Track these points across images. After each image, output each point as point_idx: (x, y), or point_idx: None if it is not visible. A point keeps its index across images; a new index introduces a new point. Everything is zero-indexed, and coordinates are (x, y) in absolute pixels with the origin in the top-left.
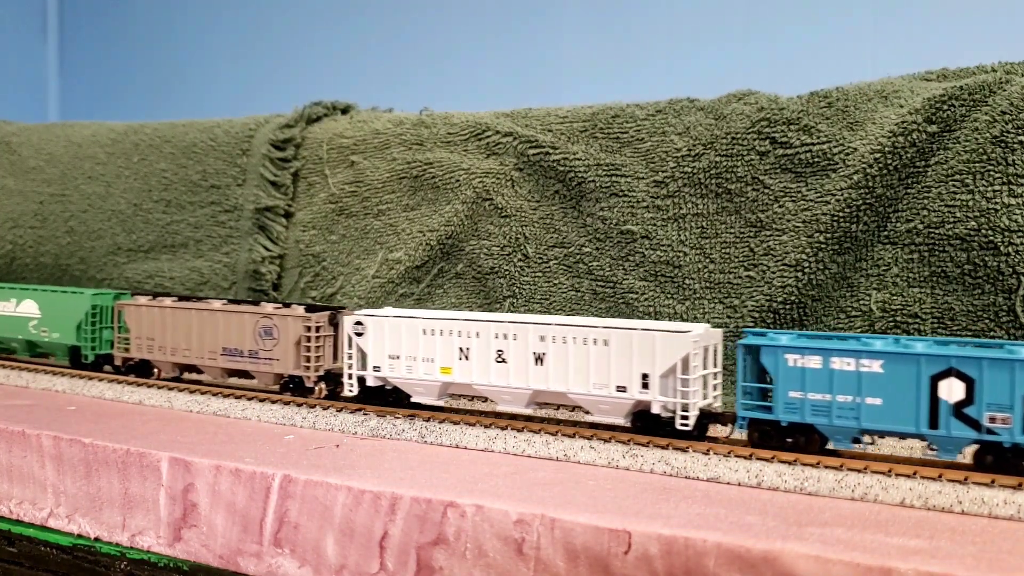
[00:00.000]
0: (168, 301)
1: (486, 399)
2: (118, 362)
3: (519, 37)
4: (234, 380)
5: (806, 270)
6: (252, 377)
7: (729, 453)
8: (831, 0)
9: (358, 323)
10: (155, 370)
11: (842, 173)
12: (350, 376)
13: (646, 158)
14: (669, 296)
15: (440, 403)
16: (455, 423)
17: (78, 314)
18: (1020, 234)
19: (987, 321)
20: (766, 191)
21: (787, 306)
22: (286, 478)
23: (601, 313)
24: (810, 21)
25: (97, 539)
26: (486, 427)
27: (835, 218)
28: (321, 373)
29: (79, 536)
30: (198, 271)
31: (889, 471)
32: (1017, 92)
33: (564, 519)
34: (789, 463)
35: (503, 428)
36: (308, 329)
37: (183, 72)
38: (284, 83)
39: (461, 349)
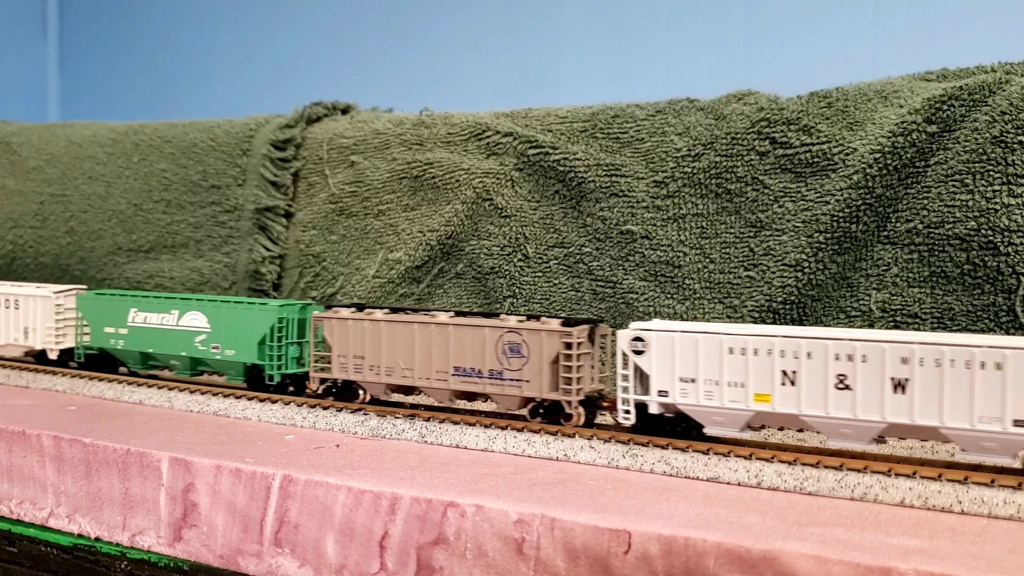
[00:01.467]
0: (380, 313)
1: (800, 430)
2: (314, 385)
3: (519, 37)
4: (462, 403)
5: (806, 270)
6: (489, 400)
7: (729, 453)
8: (831, 0)
9: (637, 339)
10: (360, 392)
11: (842, 173)
12: (625, 402)
13: (646, 158)
14: (669, 296)
15: (742, 435)
16: (455, 423)
17: (261, 328)
18: (1020, 234)
19: (987, 321)
20: (766, 191)
21: (787, 306)
22: (286, 478)
23: (601, 313)
24: (810, 21)
25: (97, 539)
26: (486, 427)
27: (835, 218)
28: (582, 397)
29: (79, 536)
30: (198, 271)
31: (889, 471)
32: (1017, 92)
33: (564, 519)
34: (789, 463)
35: (503, 428)
36: (568, 346)
37: (183, 72)
38: (284, 83)
39: (784, 372)
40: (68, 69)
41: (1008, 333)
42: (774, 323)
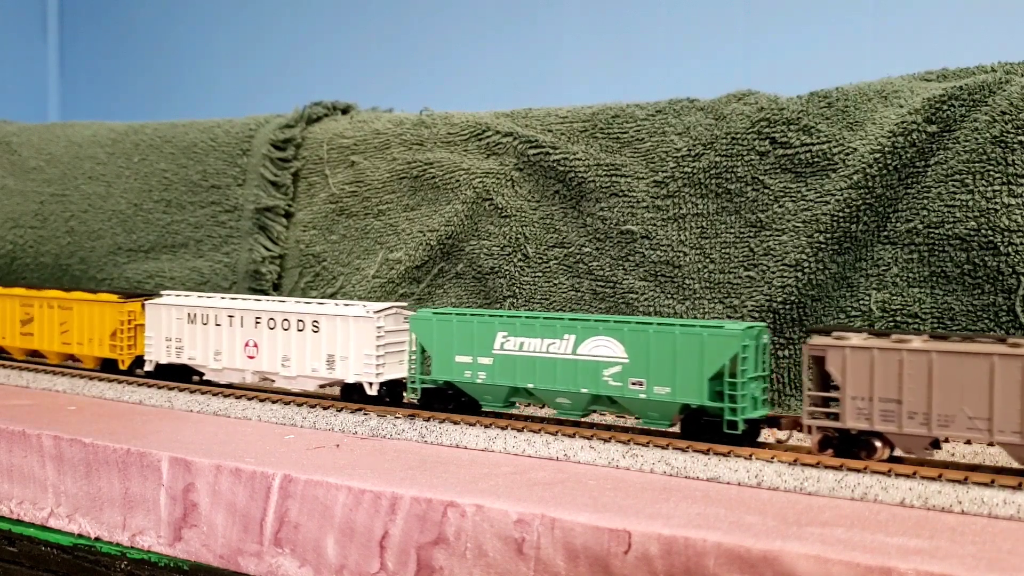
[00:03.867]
0: (918, 341)
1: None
2: (811, 437)
3: (519, 37)
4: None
5: (806, 270)
6: None
7: (729, 453)
8: (831, 0)
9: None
10: (879, 447)
11: (842, 173)
12: None
13: (646, 158)
14: (669, 296)
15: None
16: (455, 423)
17: (716, 359)
18: (1020, 234)
19: (987, 321)
20: (766, 191)
21: (787, 306)
22: (286, 478)
23: (600, 313)
24: (810, 21)
25: (97, 539)
26: (486, 427)
27: (835, 218)
28: None
29: (79, 536)
30: (198, 271)
31: (889, 471)
32: (1017, 92)
33: (564, 519)
34: (789, 463)
35: (503, 428)
36: None
37: (183, 72)
38: (284, 83)
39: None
40: (68, 69)
41: (1008, 333)
42: (775, 323)
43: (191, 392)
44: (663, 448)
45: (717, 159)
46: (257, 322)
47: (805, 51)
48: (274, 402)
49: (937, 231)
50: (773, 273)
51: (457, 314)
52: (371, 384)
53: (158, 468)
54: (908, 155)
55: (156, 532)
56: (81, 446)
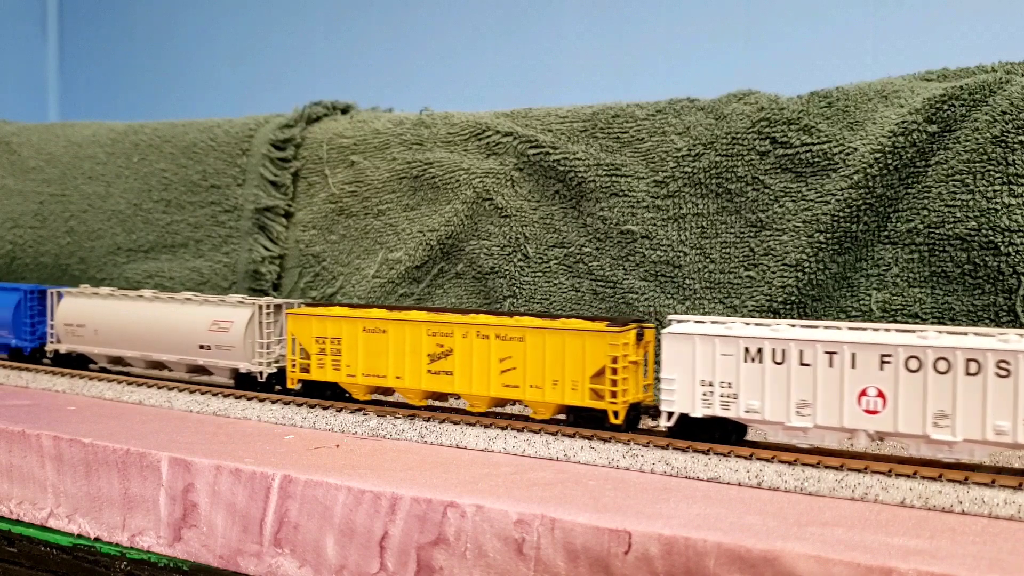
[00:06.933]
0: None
1: None
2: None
3: (519, 37)
4: None
5: (806, 270)
6: None
7: (729, 453)
8: (831, 0)
9: None
10: None
11: (842, 173)
12: None
13: (646, 158)
14: (669, 296)
15: None
16: (455, 423)
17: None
18: (1020, 234)
19: (987, 321)
20: (766, 191)
21: (787, 306)
22: (286, 478)
23: (601, 313)
24: (810, 21)
25: (97, 539)
26: (486, 427)
27: (835, 218)
28: None
29: (79, 536)
30: (198, 271)
31: (889, 471)
32: (1017, 92)
33: (564, 519)
34: (790, 463)
35: (503, 428)
36: None
37: (183, 72)
38: (284, 83)
39: None
40: (68, 69)
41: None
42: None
43: (191, 392)
44: (663, 448)
45: (717, 159)
46: (885, 362)
47: (805, 51)
48: (274, 402)
49: (938, 231)
50: (773, 273)
51: None
52: None
53: (158, 468)
54: (909, 155)
55: (156, 532)
56: (81, 446)
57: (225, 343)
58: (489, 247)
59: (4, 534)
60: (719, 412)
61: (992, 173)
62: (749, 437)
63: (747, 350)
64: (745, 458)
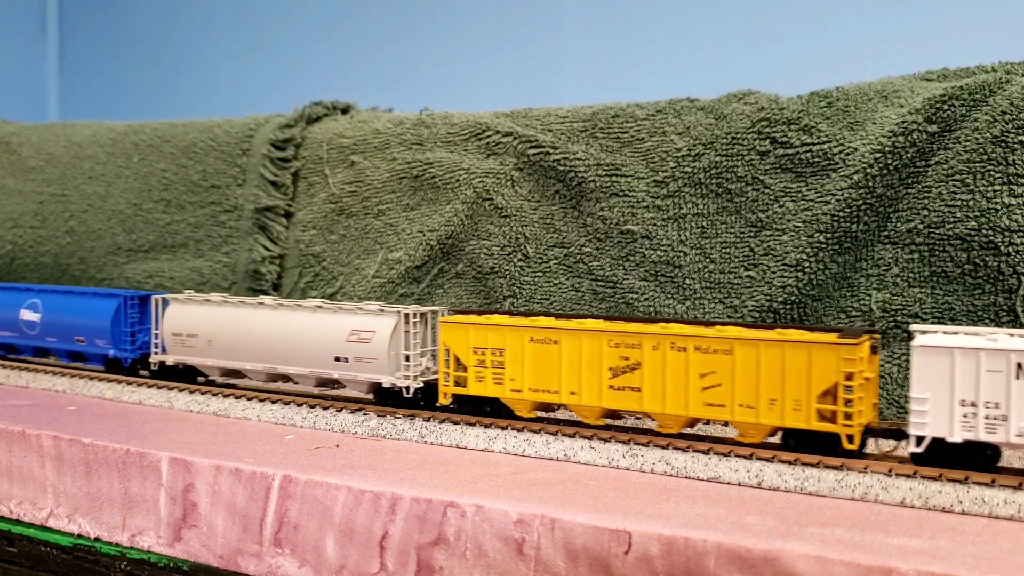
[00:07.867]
0: None
1: None
2: None
3: (519, 37)
4: None
5: (806, 270)
6: None
7: (729, 453)
8: (831, 0)
9: None
10: None
11: (842, 173)
12: None
13: (646, 158)
14: (669, 296)
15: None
16: (455, 423)
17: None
18: (1020, 234)
19: (987, 321)
20: (766, 191)
21: (787, 306)
22: (286, 478)
23: (600, 313)
24: (810, 21)
25: (97, 539)
26: (486, 427)
27: (835, 218)
28: None
29: (79, 536)
30: (198, 271)
31: (889, 471)
32: (1017, 92)
33: (564, 519)
34: (790, 463)
35: (503, 428)
36: None
37: (183, 72)
38: (284, 83)
39: None
40: (68, 69)
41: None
42: (775, 323)
43: (191, 392)
44: (663, 448)
45: (717, 159)
46: None
47: (805, 51)
48: (274, 402)
49: (938, 231)
50: (773, 273)
51: None
52: None
53: (158, 468)
54: (909, 155)
55: (156, 532)
56: (81, 446)
57: (366, 355)
58: (489, 247)
59: (4, 534)
60: (983, 436)
61: (992, 173)
62: (1003, 463)
63: (1020, 366)
64: (745, 458)
